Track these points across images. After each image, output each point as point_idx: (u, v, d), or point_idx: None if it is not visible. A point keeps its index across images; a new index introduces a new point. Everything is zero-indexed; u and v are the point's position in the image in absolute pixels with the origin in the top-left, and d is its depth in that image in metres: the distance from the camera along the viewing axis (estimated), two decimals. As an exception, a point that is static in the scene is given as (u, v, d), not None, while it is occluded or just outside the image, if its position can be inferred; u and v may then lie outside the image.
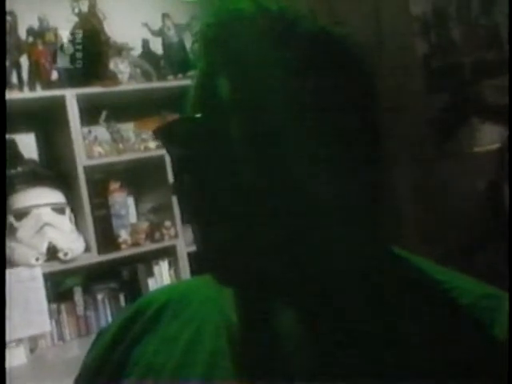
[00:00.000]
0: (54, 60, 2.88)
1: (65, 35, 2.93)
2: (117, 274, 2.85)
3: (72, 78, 2.85)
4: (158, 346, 0.72)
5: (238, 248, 0.62)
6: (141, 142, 3.00)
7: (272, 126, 0.60)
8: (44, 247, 2.54)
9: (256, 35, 0.63)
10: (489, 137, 2.42)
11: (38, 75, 2.82)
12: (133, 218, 3.04)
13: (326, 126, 0.61)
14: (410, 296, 0.64)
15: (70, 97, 2.79)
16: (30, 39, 2.85)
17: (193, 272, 2.86)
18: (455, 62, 2.75)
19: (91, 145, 2.87)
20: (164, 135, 0.67)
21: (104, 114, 3.04)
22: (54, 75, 2.87)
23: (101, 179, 2.87)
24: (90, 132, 2.97)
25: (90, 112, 2.90)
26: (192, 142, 0.64)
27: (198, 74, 0.66)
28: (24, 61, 2.83)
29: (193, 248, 2.90)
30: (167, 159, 2.91)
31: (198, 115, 0.64)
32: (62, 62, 2.79)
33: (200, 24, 0.68)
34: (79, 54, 2.79)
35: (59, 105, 2.77)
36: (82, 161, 2.75)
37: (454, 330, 0.61)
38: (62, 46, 2.82)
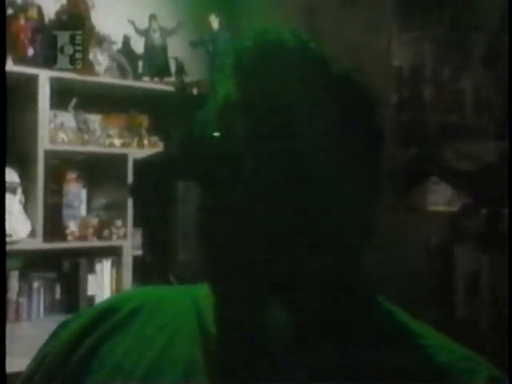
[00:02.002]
0: (34, 37, 2.83)
1: (49, 15, 2.90)
2: (57, 265, 2.78)
3: (47, 59, 2.80)
4: (129, 348, 0.70)
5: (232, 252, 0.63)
6: (106, 137, 2.96)
7: (294, 154, 0.62)
8: (-13, 224, 2.46)
9: (292, 69, 0.65)
10: (444, 198, 2.49)
11: (14, 49, 2.76)
12: (83, 211, 2.99)
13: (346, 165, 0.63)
14: (388, 345, 0.65)
15: (44, 78, 2.74)
16: (10, 11, 2.79)
17: (135, 275, 2.83)
18: (421, 119, 2.83)
19: (56, 130, 2.81)
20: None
21: (74, 101, 2.99)
22: (30, 52, 2.82)
23: (59, 166, 2.81)
24: (55, 116, 2.91)
25: (60, 97, 2.85)
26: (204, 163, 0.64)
27: (223, 93, 0.66)
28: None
29: (139, 252, 2.87)
30: (130, 159, 2.89)
31: (216, 134, 0.64)
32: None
33: (235, 44, 0.69)
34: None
35: (31, 83, 2.71)
36: (44, 144, 2.70)
37: None
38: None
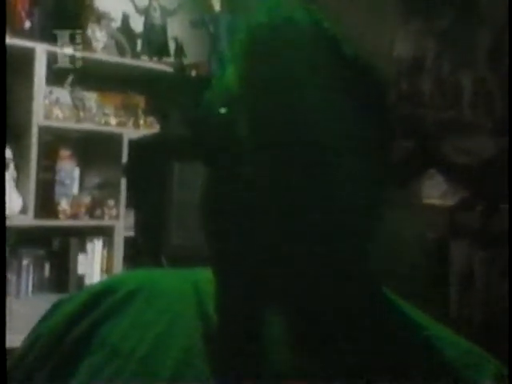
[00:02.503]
0: (31, 10, 2.79)
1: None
2: (48, 243, 2.75)
3: (45, 34, 2.76)
4: (128, 331, 0.69)
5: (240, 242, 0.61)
6: (102, 115, 2.93)
7: (305, 135, 0.60)
8: (-22, 199, 2.42)
9: (304, 48, 0.63)
10: (440, 192, 2.49)
11: (10, 22, 2.71)
12: (75, 189, 2.95)
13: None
14: (394, 337, 0.64)
15: (41, 52, 2.70)
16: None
17: (126, 256, 2.81)
18: (420, 113, 2.83)
19: (51, 106, 2.77)
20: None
21: (71, 77, 2.95)
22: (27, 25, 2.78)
23: (53, 143, 2.78)
24: (51, 92, 2.87)
25: (57, 72, 2.81)
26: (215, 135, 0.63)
27: (233, 71, 0.64)
28: None
29: (131, 233, 2.85)
30: (125, 139, 2.86)
31: (223, 110, 0.63)
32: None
33: (248, 20, 0.67)
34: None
35: (27, 57, 2.67)
36: (38, 120, 2.66)
37: (436, 381, 0.61)
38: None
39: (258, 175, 0.60)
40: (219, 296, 0.67)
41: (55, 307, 0.77)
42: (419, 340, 0.64)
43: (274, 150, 0.60)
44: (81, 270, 2.74)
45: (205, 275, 0.71)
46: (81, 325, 0.71)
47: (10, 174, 2.59)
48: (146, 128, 3.02)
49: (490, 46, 2.46)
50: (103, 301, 0.72)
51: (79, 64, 2.88)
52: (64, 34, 2.79)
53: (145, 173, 2.77)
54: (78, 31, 2.82)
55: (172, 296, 0.71)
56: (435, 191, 2.59)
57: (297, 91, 0.61)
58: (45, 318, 0.76)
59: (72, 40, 2.80)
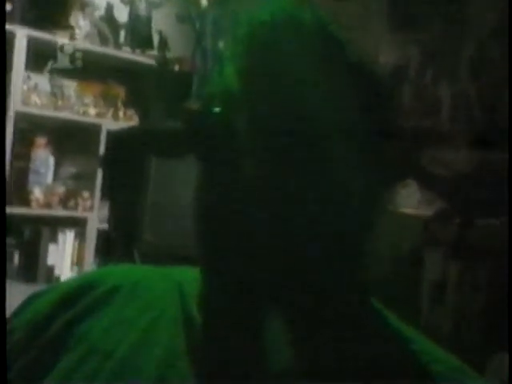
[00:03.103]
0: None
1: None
2: (18, 231, 2.70)
3: (26, 18, 2.71)
4: (108, 328, 0.67)
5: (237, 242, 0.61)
6: (81, 105, 2.88)
7: (304, 131, 0.61)
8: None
9: (307, 48, 0.63)
10: (415, 202, 2.50)
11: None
12: (50, 179, 2.90)
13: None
14: (382, 349, 0.64)
15: (21, 36, 2.64)
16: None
17: (98, 249, 2.77)
18: (398, 121, 2.84)
19: (30, 92, 2.72)
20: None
21: (50, 64, 2.90)
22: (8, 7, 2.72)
23: (29, 130, 2.73)
24: (29, 78, 2.82)
25: (37, 58, 2.76)
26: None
27: (233, 67, 0.64)
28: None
29: (104, 225, 2.81)
30: (103, 130, 2.82)
31: (217, 110, 0.62)
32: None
33: (250, 16, 0.67)
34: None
35: (7, 41, 2.60)
36: (15, 105, 2.61)
37: None
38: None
39: (257, 172, 0.59)
40: (206, 296, 0.66)
41: (30, 300, 0.75)
42: (407, 353, 0.64)
43: (274, 148, 0.60)
44: (51, 260, 2.70)
45: (188, 275, 0.70)
46: (58, 321, 0.69)
47: (-17, 159, 2.53)
48: (125, 120, 2.98)
49: (472, 59, 2.48)
50: (82, 296, 0.70)
51: (60, 51, 2.84)
52: (46, 19, 2.74)
53: (122, 166, 2.74)
54: (61, 17, 2.78)
55: (155, 294, 0.70)
56: (410, 201, 2.61)
57: (297, 89, 0.61)
58: (19, 312, 0.74)
59: (54, 26, 2.76)
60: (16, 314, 0.74)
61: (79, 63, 2.97)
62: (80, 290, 0.71)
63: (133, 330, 0.66)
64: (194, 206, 0.65)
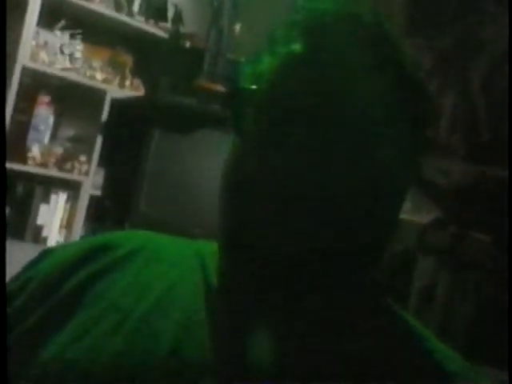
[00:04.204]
0: None
1: None
2: (11, 188, 2.67)
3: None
4: (127, 288, 0.67)
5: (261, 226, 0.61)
6: (89, 68, 2.85)
7: (343, 122, 0.61)
8: None
9: (363, 47, 0.64)
10: (410, 207, 2.52)
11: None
12: (47, 137, 2.87)
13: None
14: (397, 347, 0.65)
15: (35, -9, 2.60)
16: None
17: (88, 215, 2.76)
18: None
19: (38, 48, 2.68)
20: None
21: (62, 22, 2.86)
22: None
23: (33, 86, 2.69)
24: (38, 34, 2.78)
25: (49, 14, 2.72)
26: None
27: (285, 50, 0.64)
28: None
29: (98, 192, 2.80)
30: (108, 96, 2.80)
31: (253, 87, 0.63)
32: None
33: (311, 4, 0.67)
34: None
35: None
36: (23, 60, 2.57)
37: None
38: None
39: (291, 156, 0.60)
40: (223, 272, 0.66)
41: (45, 254, 0.75)
42: (422, 350, 0.65)
43: (310, 135, 0.60)
44: (40, 220, 2.67)
45: (208, 247, 0.70)
46: (76, 276, 0.68)
47: (-16, 110, 2.50)
48: (131, 89, 2.96)
49: (484, 74, 2.49)
50: (102, 255, 0.70)
51: (74, 10, 2.80)
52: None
53: (123, 135, 2.72)
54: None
55: (175, 259, 0.70)
56: (404, 206, 2.62)
57: (345, 82, 0.61)
58: (34, 263, 0.74)
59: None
60: (31, 265, 0.74)
61: (92, 26, 2.94)
62: (99, 249, 0.71)
63: (152, 292, 0.66)
64: (223, 180, 0.65)
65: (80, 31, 2.92)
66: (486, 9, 2.56)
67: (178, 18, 3.08)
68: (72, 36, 2.90)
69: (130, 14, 3.09)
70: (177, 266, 0.69)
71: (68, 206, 2.74)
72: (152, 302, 0.65)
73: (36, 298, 0.69)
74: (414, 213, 2.41)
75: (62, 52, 2.83)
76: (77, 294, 0.67)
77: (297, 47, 0.63)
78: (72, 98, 2.89)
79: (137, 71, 3.06)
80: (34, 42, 2.67)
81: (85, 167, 2.74)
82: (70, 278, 0.68)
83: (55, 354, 0.63)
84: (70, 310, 0.66)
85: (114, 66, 3.01)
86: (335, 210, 0.61)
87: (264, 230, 0.61)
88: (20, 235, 2.58)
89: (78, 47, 2.91)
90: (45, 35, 2.79)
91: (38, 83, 2.73)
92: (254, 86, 0.64)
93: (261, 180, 0.61)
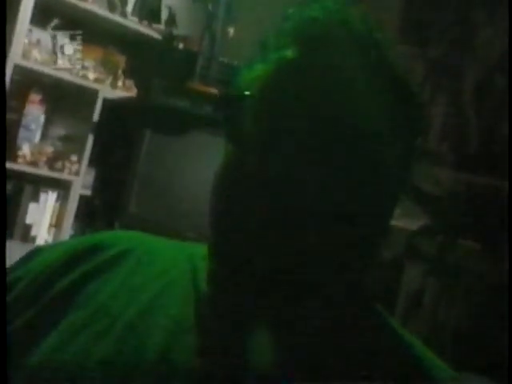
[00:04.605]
0: None
1: None
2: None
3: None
4: (117, 291, 0.66)
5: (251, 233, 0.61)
6: (81, 67, 2.84)
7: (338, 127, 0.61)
8: None
9: (354, 54, 0.64)
10: (399, 214, 2.53)
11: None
12: (38, 137, 2.86)
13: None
14: (383, 353, 0.65)
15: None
16: None
17: (78, 214, 2.75)
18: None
19: (31, 46, 2.68)
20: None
21: (55, 21, 2.85)
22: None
23: (25, 84, 2.68)
24: (30, 31, 2.77)
25: (42, 13, 2.72)
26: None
27: (276, 57, 0.64)
28: None
29: (88, 191, 2.79)
30: (100, 96, 2.79)
31: (247, 93, 0.63)
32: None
33: (301, 11, 0.67)
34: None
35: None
36: (15, 58, 2.56)
37: None
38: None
39: (286, 163, 0.60)
40: (212, 277, 0.66)
41: (34, 253, 0.74)
42: (408, 358, 0.65)
43: (306, 143, 0.60)
44: (29, 219, 2.66)
45: (199, 250, 0.70)
46: (66, 276, 0.68)
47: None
48: (123, 90, 2.95)
49: (477, 84, 2.51)
50: (93, 256, 0.69)
51: (67, 9, 2.79)
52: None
53: (115, 135, 2.72)
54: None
55: (165, 263, 0.70)
56: (395, 211, 2.63)
57: (338, 86, 0.61)
58: (23, 262, 0.73)
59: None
60: (19, 264, 0.73)
61: (85, 25, 2.93)
62: (90, 249, 0.70)
63: (142, 296, 0.65)
64: (215, 184, 0.65)
65: (73, 31, 2.92)
66: (479, 18, 2.58)
67: (172, 20, 3.08)
68: (65, 35, 2.90)
69: (124, 14, 3.08)
70: (168, 269, 0.68)
71: (58, 205, 2.73)
72: (142, 305, 0.64)
73: (25, 299, 0.68)
74: (403, 219, 2.42)
75: (54, 51, 2.82)
76: (67, 295, 0.67)
77: (288, 55, 0.63)
78: (64, 97, 2.88)
79: (129, 72, 3.06)
80: (26, 40, 2.66)
81: (75, 167, 2.73)
82: (61, 279, 0.68)
83: (44, 356, 0.63)
84: (59, 312, 0.66)
85: (107, 66, 3.00)
86: (329, 215, 0.61)
87: (256, 233, 0.61)
88: (8, 234, 2.57)
89: (71, 46, 2.90)
90: (37, 33, 2.78)
91: (29, 81, 2.72)
92: (246, 93, 0.64)
93: (254, 185, 0.61)
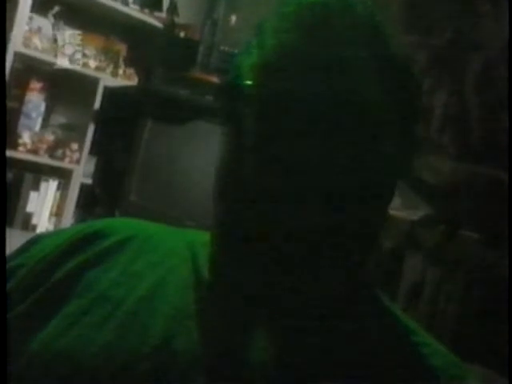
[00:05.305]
0: None
1: None
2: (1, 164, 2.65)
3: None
4: (117, 279, 0.66)
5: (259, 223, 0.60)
6: (82, 55, 2.83)
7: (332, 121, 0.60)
8: None
9: (352, 35, 0.63)
10: (399, 203, 2.53)
11: None
12: (39, 125, 2.85)
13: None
14: (383, 337, 0.65)
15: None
16: None
17: (79, 203, 2.75)
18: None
19: (31, 34, 2.66)
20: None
21: (56, 8, 2.84)
22: None
23: (25, 72, 2.67)
24: (31, 19, 2.75)
25: (43, 1, 2.70)
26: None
27: (273, 42, 0.63)
28: None
29: (88, 180, 2.79)
30: (101, 84, 2.78)
31: (249, 82, 0.62)
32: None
33: None
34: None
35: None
36: (16, 46, 2.55)
37: None
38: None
39: (286, 149, 0.59)
40: (214, 264, 0.66)
41: (34, 241, 0.74)
42: (408, 344, 0.65)
43: (307, 126, 0.60)
44: (30, 207, 2.66)
45: (200, 238, 0.70)
46: (67, 264, 0.68)
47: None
48: (124, 78, 2.94)
49: (479, 74, 2.50)
50: (93, 244, 0.69)
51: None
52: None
53: (115, 124, 2.71)
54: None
55: (166, 250, 0.69)
56: (393, 203, 2.63)
57: (337, 72, 0.61)
58: (24, 250, 0.73)
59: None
60: (19, 251, 0.73)
61: (86, 13, 2.92)
62: (90, 237, 0.70)
63: (142, 284, 0.65)
64: (218, 171, 0.65)
65: (74, 18, 2.90)
66: (482, 9, 2.56)
67: (173, 9, 3.07)
68: (66, 23, 2.88)
69: (125, 2, 3.07)
70: (168, 256, 0.68)
71: (58, 193, 2.72)
72: (142, 293, 0.64)
73: (25, 286, 0.68)
74: (404, 209, 2.42)
75: (55, 39, 2.81)
76: (67, 283, 0.67)
77: (287, 39, 0.62)
78: (64, 86, 2.87)
79: (130, 60, 3.05)
80: (27, 28, 2.66)
81: (76, 155, 2.73)
82: (61, 266, 0.68)
83: (45, 343, 0.63)
84: (60, 299, 0.66)
85: (108, 54, 2.99)
86: (330, 203, 0.60)
87: (260, 221, 0.61)
88: (9, 222, 2.57)
89: (72, 34, 2.89)
90: (38, 21, 2.77)
91: (30, 69, 2.72)
92: (244, 80, 0.63)
93: (258, 173, 0.60)
